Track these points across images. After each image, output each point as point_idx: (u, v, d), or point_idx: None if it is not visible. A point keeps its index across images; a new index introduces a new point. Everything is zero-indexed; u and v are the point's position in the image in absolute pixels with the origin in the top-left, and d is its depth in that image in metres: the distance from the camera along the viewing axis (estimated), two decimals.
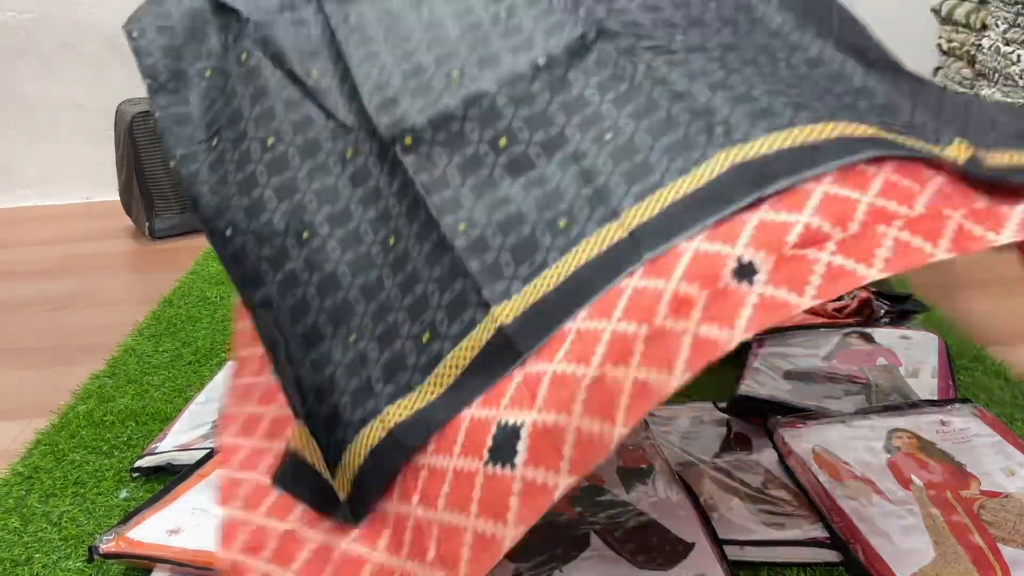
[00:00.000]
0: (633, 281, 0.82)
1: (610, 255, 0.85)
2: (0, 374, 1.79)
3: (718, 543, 1.07)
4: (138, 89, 2.87)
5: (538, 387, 0.80)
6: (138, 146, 2.55)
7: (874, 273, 0.77)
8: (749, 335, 0.74)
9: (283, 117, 1.14)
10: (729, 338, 0.73)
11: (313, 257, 1.04)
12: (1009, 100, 2.64)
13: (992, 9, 2.78)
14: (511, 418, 0.80)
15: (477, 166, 0.98)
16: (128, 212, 2.73)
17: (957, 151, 0.88)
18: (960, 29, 3.01)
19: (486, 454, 0.80)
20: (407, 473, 0.86)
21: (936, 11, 3.15)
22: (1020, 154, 0.91)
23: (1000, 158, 0.90)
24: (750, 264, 0.78)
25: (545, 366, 0.82)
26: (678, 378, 0.73)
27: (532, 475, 0.77)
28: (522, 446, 0.78)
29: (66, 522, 1.23)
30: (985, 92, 2.79)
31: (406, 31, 1.12)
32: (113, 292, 2.25)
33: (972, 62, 2.91)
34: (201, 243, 2.52)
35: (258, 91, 1.18)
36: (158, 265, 2.41)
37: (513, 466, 0.77)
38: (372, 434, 0.90)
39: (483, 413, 0.83)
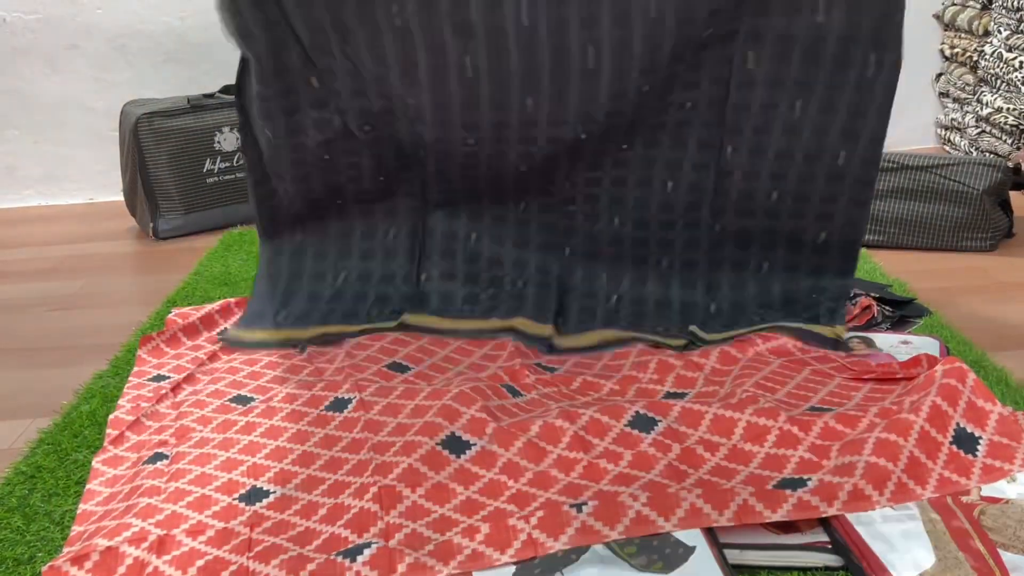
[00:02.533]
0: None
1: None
2: (4, 373, 1.80)
3: (718, 546, 1.07)
4: (142, 90, 2.89)
5: None
6: (142, 147, 2.55)
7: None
8: None
9: None
10: None
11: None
12: (1011, 106, 2.65)
13: (995, 15, 2.78)
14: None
15: None
16: (132, 213, 2.74)
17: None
18: (963, 35, 3.01)
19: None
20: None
21: (939, 17, 3.15)
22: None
23: None
24: None
25: None
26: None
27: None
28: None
29: (68, 521, 1.24)
30: (987, 98, 2.79)
31: None
32: (116, 293, 2.25)
33: (974, 68, 2.92)
34: (204, 244, 2.53)
35: None
36: (161, 266, 2.42)
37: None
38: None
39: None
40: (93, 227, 2.85)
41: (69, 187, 3.15)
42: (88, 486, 1.30)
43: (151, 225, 2.61)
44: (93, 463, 1.36)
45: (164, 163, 2.57)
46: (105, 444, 1.41)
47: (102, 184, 3.12)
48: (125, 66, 3.04)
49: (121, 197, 2.78)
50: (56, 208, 3.13)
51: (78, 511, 1.25)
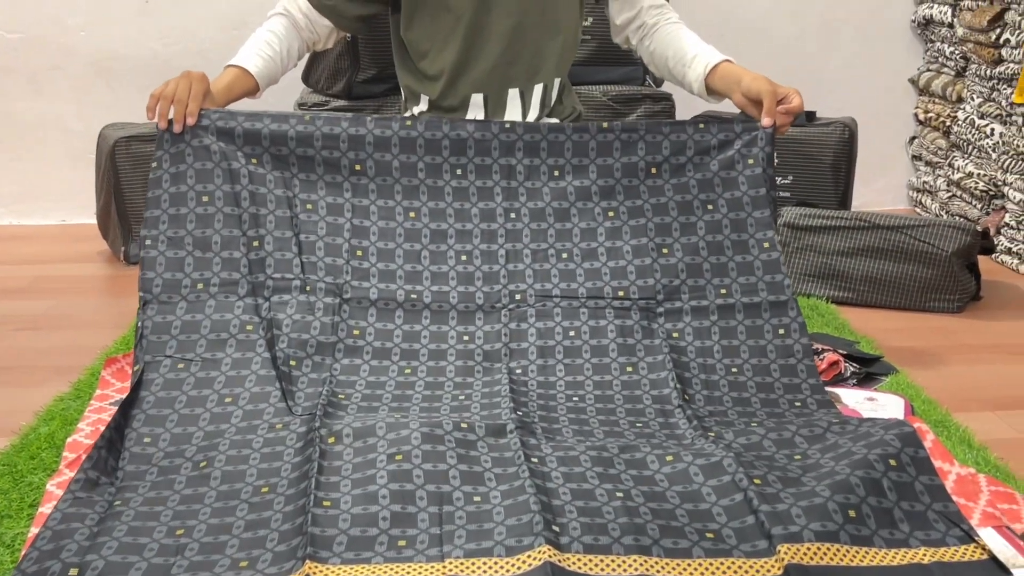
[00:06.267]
0: None
1: None
2: None
3: None
4: (122, 114, 2.88)
5: None
6: (119, 170, 2.54)
7: None
8: None
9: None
10: None
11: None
12: (981, 171, 2.69)
13: (968, 83, 2.84)
14: None
15: None
16: (104, 236, 2.72)
17: None
18: (936, 100, 3.07)
19: None
20: None
21: (914, 82, 3.22)
22: None
23: None
24: None
25: None
26: None
27: None
28: None
29: (19, 544, 1.21)
30: (959, 163, 2.84)
31: None
32: (84, 315, 2.23)
33: (947, 133, 2.97)
34: None
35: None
36: (131, 290, 2.37)
37: None
38: None
39: None
40: (64, 249, 2.82)
41: (43, 207, 3.13)
42: (41, 509, 1.28)
43: (123, 249, 2.59)
44: (47, 486, 1.34)
45: (139, 188, 2.56)
46: (61, 467, 1.39)
47: (77, 206, 3.09)
48: (107, 89, 3.04)
49: (93, 220, 2.76)
50: (28, 228, 3.10)
51: (29, 534, 1.22)
